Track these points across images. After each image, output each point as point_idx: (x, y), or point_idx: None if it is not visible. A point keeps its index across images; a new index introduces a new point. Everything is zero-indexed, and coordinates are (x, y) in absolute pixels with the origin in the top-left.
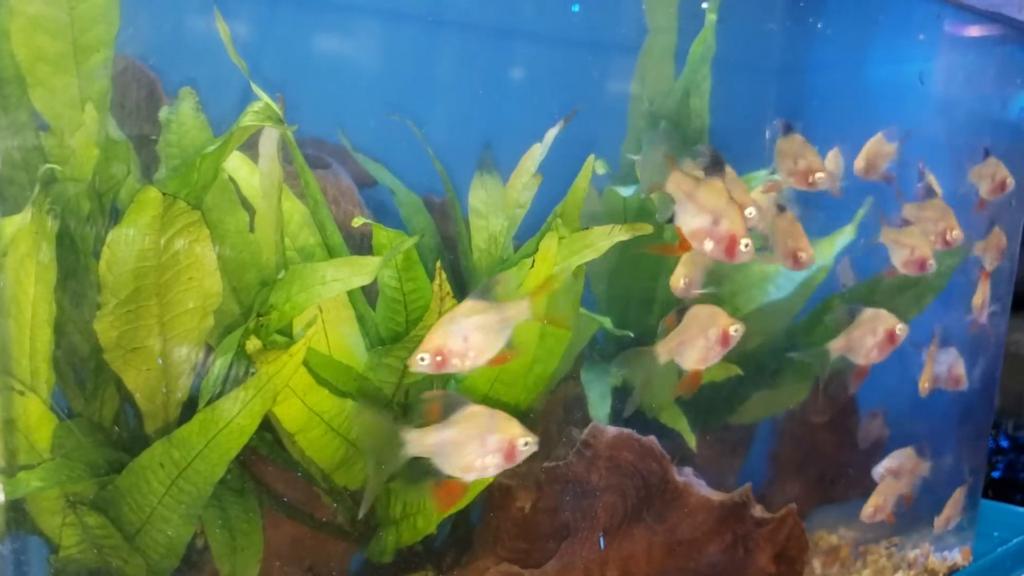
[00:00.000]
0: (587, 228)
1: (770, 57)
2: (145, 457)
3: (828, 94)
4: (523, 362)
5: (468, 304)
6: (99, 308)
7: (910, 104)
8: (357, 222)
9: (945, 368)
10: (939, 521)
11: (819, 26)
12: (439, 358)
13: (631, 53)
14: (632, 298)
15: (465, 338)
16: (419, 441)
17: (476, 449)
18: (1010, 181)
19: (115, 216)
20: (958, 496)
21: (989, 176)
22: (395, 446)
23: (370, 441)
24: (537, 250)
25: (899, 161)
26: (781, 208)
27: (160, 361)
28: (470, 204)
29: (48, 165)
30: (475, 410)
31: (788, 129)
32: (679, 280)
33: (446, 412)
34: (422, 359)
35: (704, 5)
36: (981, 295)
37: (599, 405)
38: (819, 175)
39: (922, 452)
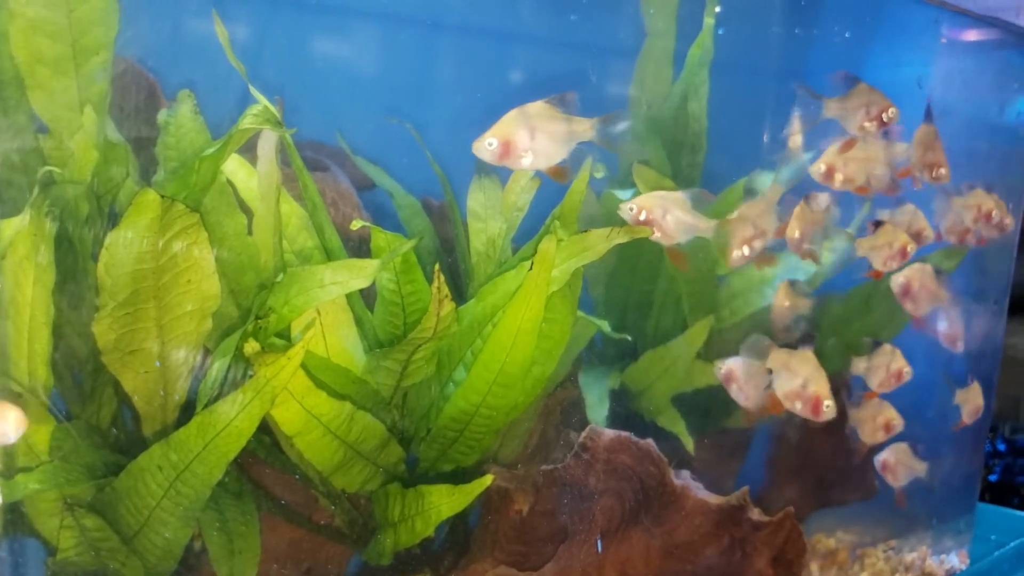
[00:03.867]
0: (585, 231)
1: (768, 60)
2: (143, 459)
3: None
4: (521, 364)
5: (540, 105)
6: (97, 310)
7: (907, 109)
8: (356, 225)
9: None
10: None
11: (818, 30)
12: (504, 147)
13: (630, 57)
14: (630, 301)
15: (532, 135)
16: None
17: None
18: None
19: (113, 218)
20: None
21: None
22: None
23: None
24: (536, 252)
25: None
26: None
27: (158, 363)
28: (468, 207)
29: (47, 167)
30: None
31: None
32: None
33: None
34: (490, 144)
35: (717, 9)
36: None
37: (597, 408)
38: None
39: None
